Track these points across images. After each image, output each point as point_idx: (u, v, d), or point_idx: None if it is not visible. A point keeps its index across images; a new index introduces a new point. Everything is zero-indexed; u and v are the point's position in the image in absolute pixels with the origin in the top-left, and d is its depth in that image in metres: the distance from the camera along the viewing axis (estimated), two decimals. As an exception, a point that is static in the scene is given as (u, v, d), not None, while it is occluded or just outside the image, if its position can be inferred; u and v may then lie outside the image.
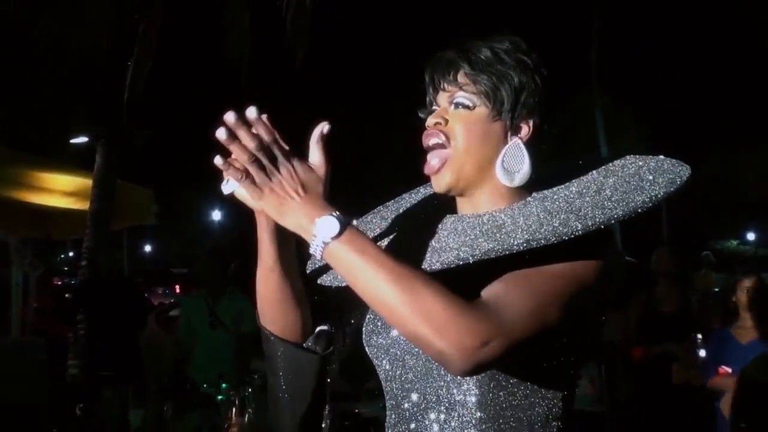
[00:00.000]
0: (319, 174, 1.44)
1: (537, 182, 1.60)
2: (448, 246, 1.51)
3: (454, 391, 1.55)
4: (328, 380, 1.71)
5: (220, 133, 1.35)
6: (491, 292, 1.44)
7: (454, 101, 1.59)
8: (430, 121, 1.61)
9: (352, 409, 4.68)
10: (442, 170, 1.59)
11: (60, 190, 7.96)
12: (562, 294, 1.45)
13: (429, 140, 1.61)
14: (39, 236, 8.51)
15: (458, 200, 1.65)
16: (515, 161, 1.57)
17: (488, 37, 1.62)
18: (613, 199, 1.48)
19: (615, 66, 21.73)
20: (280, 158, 1.39)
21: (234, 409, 4.05)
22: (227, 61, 10.66)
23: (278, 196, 1.40)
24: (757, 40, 17.05)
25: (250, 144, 1.36)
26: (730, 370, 4.77)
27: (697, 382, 5.01)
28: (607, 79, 21.84)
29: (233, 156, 1.38)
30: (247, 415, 4.03)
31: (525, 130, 1.59)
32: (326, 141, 1.48)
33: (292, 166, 1.41)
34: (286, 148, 1.41)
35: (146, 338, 7.12)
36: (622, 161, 1.63)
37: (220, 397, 4.51)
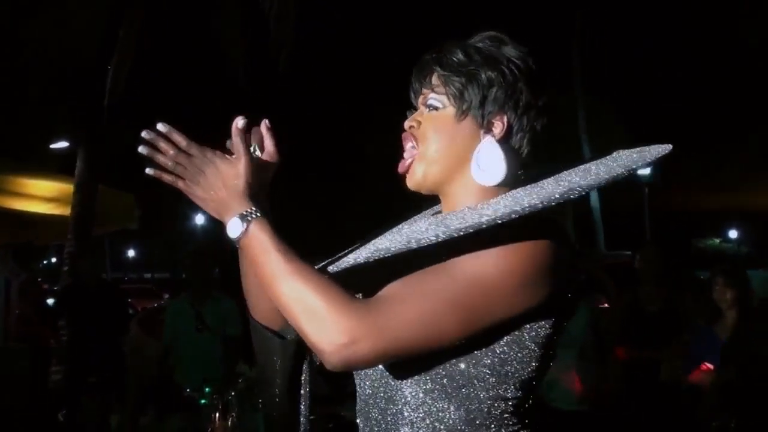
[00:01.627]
0: (245, 167, 1.53)
1: (523, 182, 1.58)
2: (402, 238, 1.52)
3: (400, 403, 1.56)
4: (304, 376, 1.70)
5: (141, 149, 1.56)
6: (389, 289, 1.46)
7: (426, 103, 1.63)
8: (406, 124, 1.66)
9: (337, 412, 4.67)
10: (411, 169, 1.63)
11: (41, 195, 7.92)
12: (463, 297, 1.43)
13: (404, 143, 1.65)
14: (20, 242, 8.44)
15: (441, 202, 1.66)
16: (489, 159, 1.55)
17: (472, 36, 1.63)
18: (577, 177, 1.52)
19: (597, 66, 21.81)
20: (201, 159, 1.54)
21: (218, 413, 4.02)
22: (217, 62, 10.65)
23: (205, 194, 1.55)
24: (740, 38, 17.18)
25: (169, 152, 1.54)
26: (712, 366, 4.79)
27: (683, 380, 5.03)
28: (590, 79, 21.93)
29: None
30: (230, 419, 4.01)
31: (498, 127, 1.57)
32: (275, 136, 1.63)
33: (214, 164, 1.53)
34: (205, 150, 1.54)
35: (130, 343, 7.09)
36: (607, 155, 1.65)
37: (203, 401, 4.48)
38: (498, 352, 1.49)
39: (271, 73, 11.18)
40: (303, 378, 1.71)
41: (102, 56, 9.11)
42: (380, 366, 1.56)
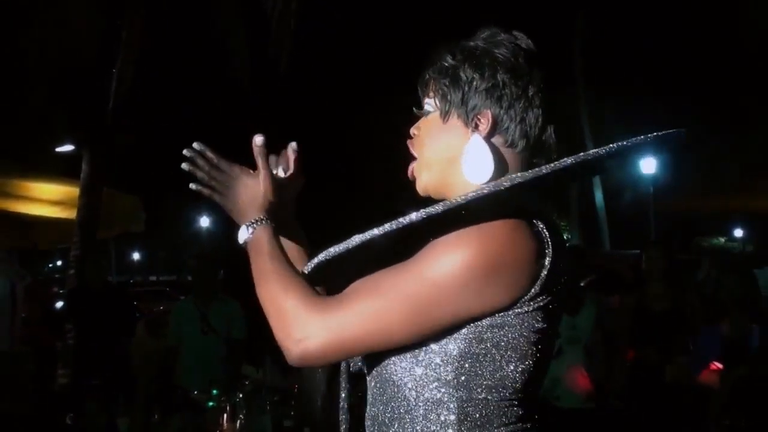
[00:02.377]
0: (264, 184, 1.68)
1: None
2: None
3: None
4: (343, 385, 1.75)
5: (184, 165, 1.70)
6: (350, 286, 1.51)
7: (423, 109, 1.67)
8: (411, 131, 1.70)
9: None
10: (416, 178, 1.67)
11: (46, 198, 7.92)
12: (414, 293, 1.44)
13: (410, 150, 1.70)
14: (25, 246, 8.46)
15: None
16: (475, 157, 1.54)
17: (473, 35, 1.64)
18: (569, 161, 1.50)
19: (599, 61, 21.79)
20: (229, 175, 1.69)
21: (225, 415, 4.03)
22: (220, 63, 10.66)
23: (230, 205, 1.70)
24: (739, 35, 17.15)
25: (204, 168, 1.69)
26: (721, 366, 4.79)
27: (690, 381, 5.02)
28: (592, 74, 21.92)
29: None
30: (238, 421, 4.01)
31: (483, 123, 1.56)
32: (300, 158, 1.76)
33: (240, 179, 1.68)
34: (233, 166, 1.70)
35: (136, 346, 7.09)
36: None
37: (210, 403, 4.48)
38: (455, 350, 1.47)
39: (273, 74, 11.20)
40: (342, 389, 1.74)
41: (105, 58, 9.12)
42: (380, 366, 1.56)
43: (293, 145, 1.76)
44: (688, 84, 22.13)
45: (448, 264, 1.42)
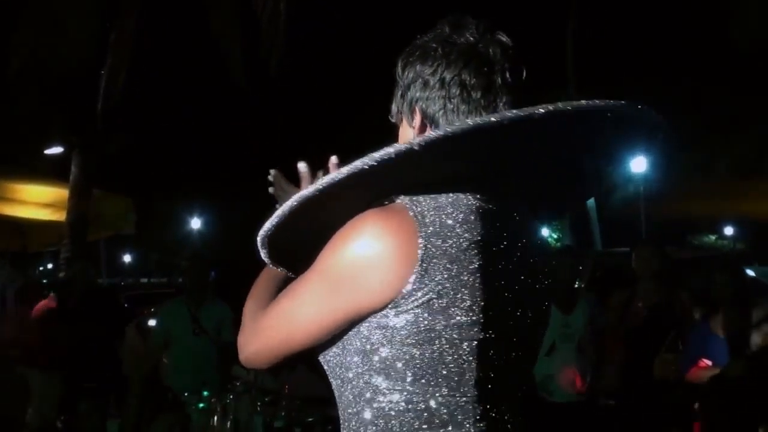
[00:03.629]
0: None
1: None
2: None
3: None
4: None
5: (270, 189, 1.89)
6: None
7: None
8: None
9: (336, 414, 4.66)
10: None
11: (36, 201, 7.90)
12: (311, 290, 1.49)
13: None
14: (15, 248, 8.44)
15: None
16: None
17: None
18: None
19: (591, 62, 21.83)
20: (285, 192, 1.83)
21: (216, 416, 4.02)
22: (212, 65, 10.63)
23: None
24: (730, 36, 17.18)
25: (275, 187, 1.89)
26: (710, 363, 4.80)
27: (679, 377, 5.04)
28: (583, 76, 21.96)
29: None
30: (228, 422, 4.01)
31: (416, 118, 1.57)
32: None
33: (289, 195, 1.58)
34: (290, 185, 1.84)
35: (127, 348, 7.06)
36: None
37: (201, 405, 4.47)
38: (352, 348, 1.49)
39: (266, 75, 11.19)
40: None
41: (96, 61, 9.10)
42: (325, 364, 1.59)
43: (334, 158, 1.79)
44: (679, 85, 22.20)
45: (320, 266, 1.49)
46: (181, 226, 36.39)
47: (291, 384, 4.77)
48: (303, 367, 5.53)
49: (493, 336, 1.45)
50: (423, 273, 1.41)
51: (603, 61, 22.11)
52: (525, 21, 20.99)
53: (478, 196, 1.49)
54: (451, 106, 1.52)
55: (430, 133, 1.39)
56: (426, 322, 1.42)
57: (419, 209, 1.45)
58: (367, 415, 1.48)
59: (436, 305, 1.42)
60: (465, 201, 1.47)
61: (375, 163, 1.38)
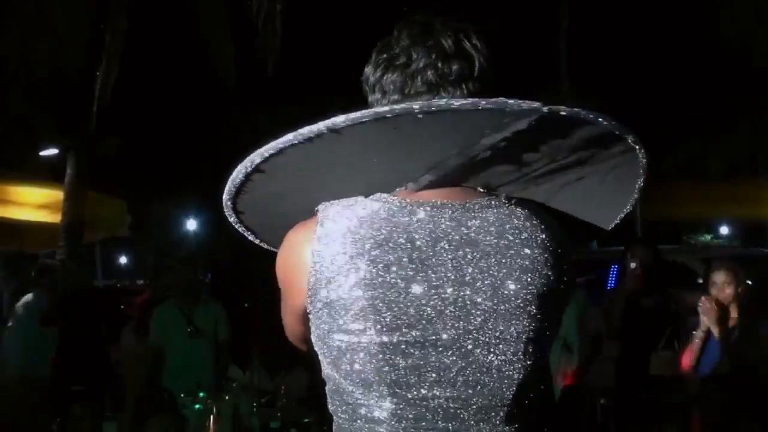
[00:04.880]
0: None
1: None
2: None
3: None
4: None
5: None
6: None
7: None
8: None
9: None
10: None
11: (31, 203, 7.89)
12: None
13: None
14: (11, 250, 8.41)
15: None
16: None
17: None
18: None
19: (583, 59, 21.87)
20: None
21: (212, 417, 4.02)
22: (207, 68, 10.61)
23: None
24: (722, 36, 17.26)
25: None
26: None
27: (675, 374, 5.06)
28: (576, 73, 22.00)
29: None
30: (224, 423, 4.01)
31: None
32: None
33: None
34: None
35: (124, 351, 7.05)
36: None
37: (197, 406, 4.47)
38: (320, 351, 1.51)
39: (260, 77, 11.19)
40: None
41: (89, 63, 9.09)
42: None
43: None
44: (671, 84, 22.24)
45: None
46: (177, 228, 36.34)
47: (287, 385, 4.77)
48: (300, 368, 5.54)
49: (401, 341, 1.41)
50: (315, 282, 1.44)
51: (595, 61, 22.14)
52: (518, 18, 21.02)
53: (398, 195, 1.47)
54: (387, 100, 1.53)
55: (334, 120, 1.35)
56: (326, 327, 1.44)
57: (323, 215, 1.47)
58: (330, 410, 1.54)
59: (324, 314, 1.44)
60: (370, 202, 1.47)
61: (283, 145, 1.37)
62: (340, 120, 1.33)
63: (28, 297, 6.67)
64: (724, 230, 32.32)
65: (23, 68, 8.77)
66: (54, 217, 8.43)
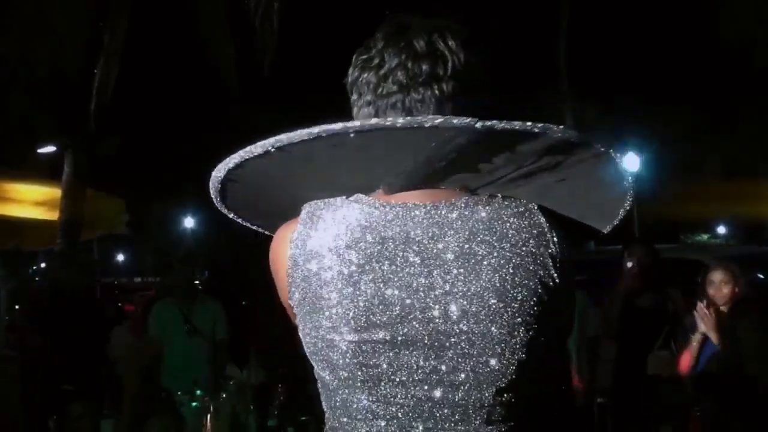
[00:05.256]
0: None
1: None
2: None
3: None
4: None
5: None
6: None
7: None
8: None
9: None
10: None
11: (29, 200, 7.88)
12: None
13: None
14: (7, 248, 8.42)
15: None
16: None
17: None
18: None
19: (583, 59, 21.86)
20: None
21: (209, 415, 4.03)
22: (208, 67, 10.62)
23: None
24: (722, 36, 17.26)
25: None
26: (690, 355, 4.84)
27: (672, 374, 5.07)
28: (574, 74, 21.99)
29: None
30: (222, 422, 4.01)
31: None
32: None
33: None
34: None
35: (118, 349, 7.03)
36: None
37: (195, 404, 4.48)
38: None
39: (259, 76, 11.19)
40: None
41: (88, 61, 9.09)
42: None
43: None
44: (671, 84, 22.24)
45: None
46: (175, 226, 36.36)
47: (284, 383, 4.78)
48: (297, 366, 5.54)
49: (374, 340, 1.42)
50: (291, 282, 1.48)
51: (595, 61, 22.14)
52: (518, 18, 21.01)
53: (375, 195, 1.49)
54: (355, 110, 1.55)
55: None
56: (305, 324, 1.48)
57: (303, 215, 1.51)
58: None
59: (302, 312, 1.48)
60: (347, 203, 1.49)
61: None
62: (283, 138, 1.36)
63: None
64: (721, 230, 32.36)
65: (23, 68, 8.77)
66: (52, 215, 8.43)
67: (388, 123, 1.33)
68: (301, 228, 1.49)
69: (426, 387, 1.43)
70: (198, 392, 4.60)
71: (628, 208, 1.55)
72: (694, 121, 22.40)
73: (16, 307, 7.74)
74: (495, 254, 1.43)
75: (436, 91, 1.47)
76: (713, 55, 19.36)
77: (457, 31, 1.52)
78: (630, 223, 23.86)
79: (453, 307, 1.42)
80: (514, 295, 1.42)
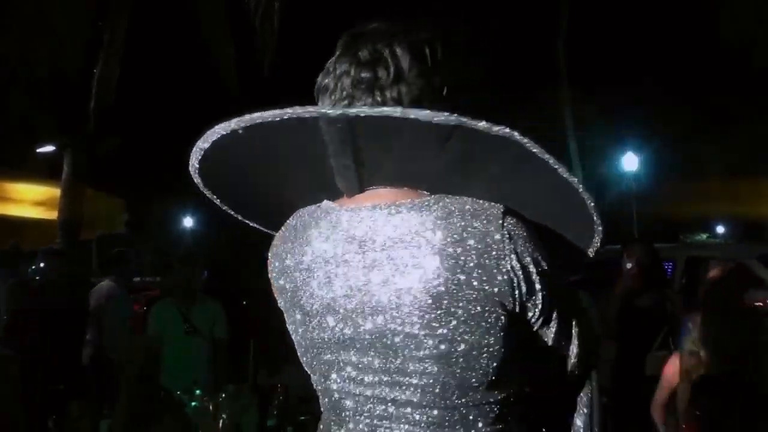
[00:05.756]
0: None
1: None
2: None
3: None
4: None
5: None
6: None
7: None
8: None
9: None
10: None
11: (28, 199, 7.89)
12: None
13: None
14: (7, 247, 8.41)
15: None
16: None
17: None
18: None
19: (582, 60, 21.86)
20: None
21: (209, 415, 4.03)
22: (208, 67, 10.62)
23: None
24: (718, 34, 17.25)
25: None
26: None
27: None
28: (574, 74, 22.00)
29: None
30: (221, 421, 4.02)
31: None
32: None
33: None
34: None
35: (123, 349, 7.02)
36: None
37: (194, 403, 4.48)
38: None
39: (259, 75, 11.20)
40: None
41: (88, 62, 9.10)
42: None
43: None
44: (671, 84, 22.23)
45: None
46: (174, 225, 36.33)
47: (284, 383, 4.78)
48: (297, 366, 5.54)
49: (323, 338, 1.53)
50: (272, 280, 1.64)
51: (594, 61, 22.14)
52: (518, 18, 21.01)
53: (326, 202, 1.59)
54: None
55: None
56: (290, 328, 1.65)
57: (288, 220, 1.66)
58: None
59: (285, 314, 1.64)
60: (314, 208, 1.61)
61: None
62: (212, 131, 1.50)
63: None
64: (720, 229, 32.35)
65: (23, 68, 8.77)
66: (51, 215, 8.44)
67: (267, 116, 1.39)
68: (282, 231, 1.64)
69: (367, 385, 1.50)
70: (198, 392, 4.60)
71: (598, 223, 1.51)
72: (694, 121, 22.39)
73: (16, 306, 7.72)
74: (415, 257, 1.44)
75: (378, 97, 1.49)
76: (713, 55, 19.35)
77: (411, 39, 1.52)
78: (629, 222, 23.87)
79: (380, 310, 1.47)
80: (437, 300, 1.43)
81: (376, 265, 1.47)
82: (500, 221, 1.45)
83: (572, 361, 1.60)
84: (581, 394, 1.67)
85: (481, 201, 1.47)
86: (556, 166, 1.38)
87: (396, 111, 1.33)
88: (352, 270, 1.49)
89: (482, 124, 1.32)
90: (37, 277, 7.00)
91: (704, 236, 32.32)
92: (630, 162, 23.89)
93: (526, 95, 21.48)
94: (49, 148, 11.83)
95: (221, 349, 5.75)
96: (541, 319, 1.52)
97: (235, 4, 10.36)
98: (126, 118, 15.64)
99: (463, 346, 1.43)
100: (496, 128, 1.32)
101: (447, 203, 1.47)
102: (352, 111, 1.35)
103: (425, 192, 1.51)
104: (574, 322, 1.59)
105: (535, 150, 1.36)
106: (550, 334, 1.55)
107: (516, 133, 1.34)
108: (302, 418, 4.48)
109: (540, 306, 1.49)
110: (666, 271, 7.76)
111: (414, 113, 1.31)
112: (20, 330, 7.17)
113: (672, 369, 4.80)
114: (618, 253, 5.93)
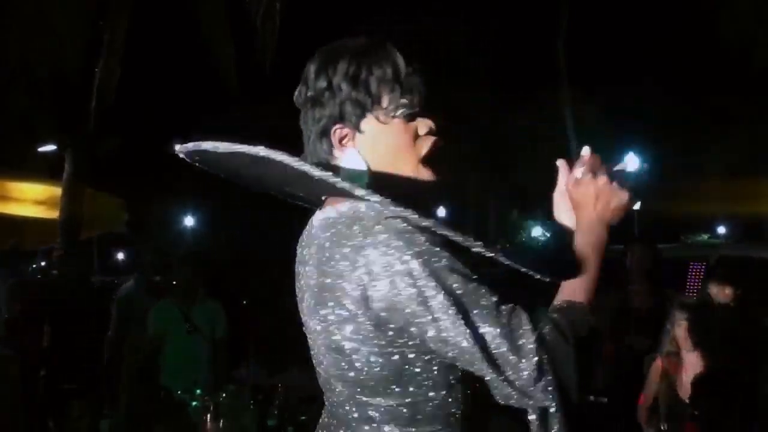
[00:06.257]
0: None
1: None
2: None
3: None
4: None
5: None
6: None
7: None
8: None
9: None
10: None
11: (29, 199, 7.89)
12: None
13: None
14: (6, 246, 8.42)
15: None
16: None
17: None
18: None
19: (582, 61, 21.85)
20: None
21: (209, 415, 4.03)
22: (208, 67, 10.62)
23: None
24: (718, 34, 17.24)
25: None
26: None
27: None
28: (574, 74, 21.99)
29: None
30: (221, 421, 4.02)
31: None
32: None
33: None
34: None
35: (127, 345, 7.01)
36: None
37: (194, 403, 4.48)
38: None
39: (259, 75, 11.20)
40: None
41: (89, 61, 9.10)
42: None
43: (585, 150, 1.85)
44: (671, 84, 22.22)
45: None
46: (175, 225, 36.32)
47: (284, 383, 4.78)
48: (298, 366, 5.54)
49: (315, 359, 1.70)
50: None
51: (594, 60, 22.13)
52: (518, 18, 21.02)
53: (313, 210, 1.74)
54: None
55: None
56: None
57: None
58: None
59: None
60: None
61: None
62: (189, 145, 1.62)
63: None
64: (721, 230, 32.34)
65: (23, 68, 8.77)
66: (52, 214, 8.44)
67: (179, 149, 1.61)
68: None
69: (321, 368, 1.67)
70: (198, 392, 4.60)
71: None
72: (694, 121, 22.36)
73: (16, 305, 7.72)
74: (334, 263, 1.53)
75: (315, 113, 1.64)
76: (713, 55, 19.33)
77: (353, 54, 1.62)
78: (630, 223, 23.86)
79: (308, 312, 1.66)
80: (351, 308, 1.51)
81: (306, 272, 1.66)
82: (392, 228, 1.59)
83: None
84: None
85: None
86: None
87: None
88: (307, 267, 1.64)
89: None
90: (38, 277, 7.00)
91: (705, 236, 32.30)
92: (631, 162, 23.86)
93: (526, 95, 21.47)
94: (49, 148, 11.84)
95: (221, 349, 5.75)
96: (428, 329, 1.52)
97: (235, 4, 10.35)
98: (126, 118, 15.64)
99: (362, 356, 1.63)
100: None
101: (355, 210, 1.61)
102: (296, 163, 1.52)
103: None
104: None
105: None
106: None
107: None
108: (302, 418, 4.48)
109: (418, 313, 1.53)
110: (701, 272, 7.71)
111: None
112: (20, 330, 7.17)
113: (655, 371, 4.82)
114: (620, 253, 5.93)
